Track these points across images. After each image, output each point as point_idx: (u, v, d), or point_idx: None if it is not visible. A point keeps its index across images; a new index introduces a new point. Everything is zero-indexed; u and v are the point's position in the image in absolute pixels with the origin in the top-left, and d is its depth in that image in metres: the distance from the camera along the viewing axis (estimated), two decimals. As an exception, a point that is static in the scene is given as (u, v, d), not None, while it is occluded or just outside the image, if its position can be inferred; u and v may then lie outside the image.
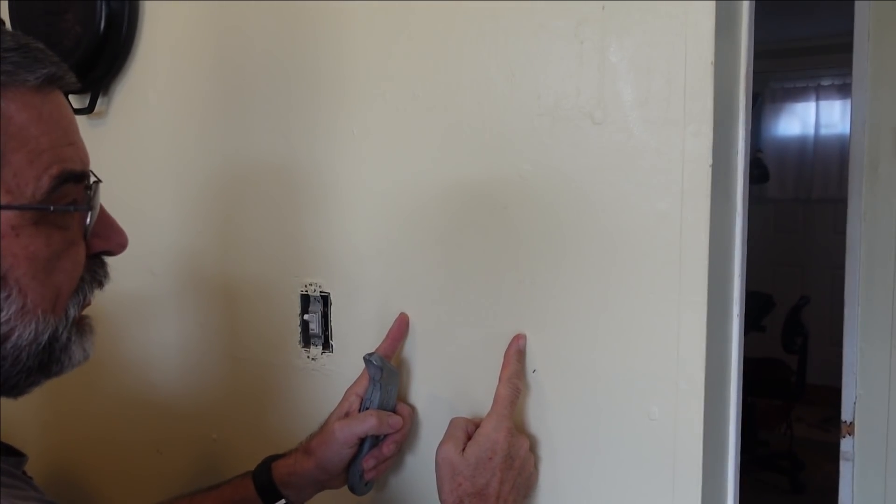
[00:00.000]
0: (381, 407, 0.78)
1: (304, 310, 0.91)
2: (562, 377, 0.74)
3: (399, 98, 0.82)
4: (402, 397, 0.84)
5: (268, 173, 0.94)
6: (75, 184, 0.53)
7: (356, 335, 0.88)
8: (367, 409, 0.78)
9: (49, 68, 0.51)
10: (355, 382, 0.81)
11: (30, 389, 0.55)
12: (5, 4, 1.08)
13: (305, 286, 0.91)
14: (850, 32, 1.35)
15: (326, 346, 0.91)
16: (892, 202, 1.32)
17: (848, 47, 1.36)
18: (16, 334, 0.50)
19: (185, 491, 0.83)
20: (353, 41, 0.85)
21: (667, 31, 0.65)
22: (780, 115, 4.51)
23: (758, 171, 3.99)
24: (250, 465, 0.83)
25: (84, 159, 0.54)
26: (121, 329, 1.11)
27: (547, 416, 0.75)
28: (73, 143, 0.53)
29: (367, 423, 0.76)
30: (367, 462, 0.78)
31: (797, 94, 4.44)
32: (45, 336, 0.51)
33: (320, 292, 0.90)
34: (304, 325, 0.92)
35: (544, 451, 0.76)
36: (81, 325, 0.56)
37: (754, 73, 0.70)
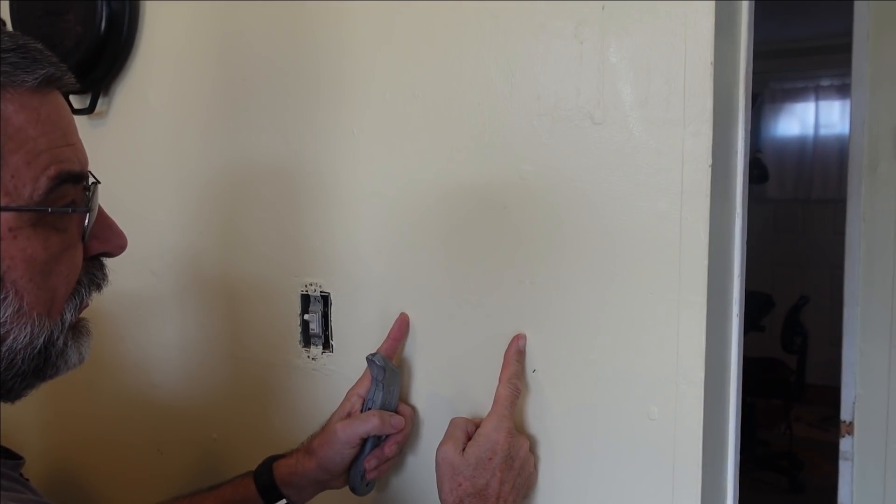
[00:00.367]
0: (384, 407, 0.79)
1: (305, 310, 0.91)
2: (562, 377, 0.74)
3: (399, 98, 0.82)
4: (403, 397, 0.84)
5: (268, 173, 0.94)
6: (74, 185, 0.52)
7: (356, 335, 0.88)
8: (370, 409, 0.78)
9: (47, 69, 0.51)
10: (357, 383, 0.81)
11: (25, 393, 0.54)
12: (6, 4, 1.08)
13: (306, 286, 0.91)
14: (849, 32, 1.35)
15: (327, 346, 0.91)
16: (891, 202, 1.32)
17: (847, 47, 1.36)
18: (11, 337, 0.49)
19: (185, 491, 0.83)
20: (354, 41, 0.85)
21: (666, 31, 0.65)
22: (779, 115, 4.51)
23: (757, 172, 3.99)
24: (251, 465, 0.83)
25: (83, 160, 0.54)
26: (121, 329, 1.11)
27: (547, 416, 0.75)
28: (72, 143, 0.53)
29: (370, 424, 0.76)
30: (369, 462, 0.78)
31: (796, 95, 4.44)
32: (41, 340, 0.51)
33: (320, 292, 0.90)
34: (305, 325, 0.92)
35: (544, 451, 0.76)
36: (78, 329, 0.56)
37: (754, 73, 0.71)
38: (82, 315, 0.57)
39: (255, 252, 0.96)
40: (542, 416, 0.75)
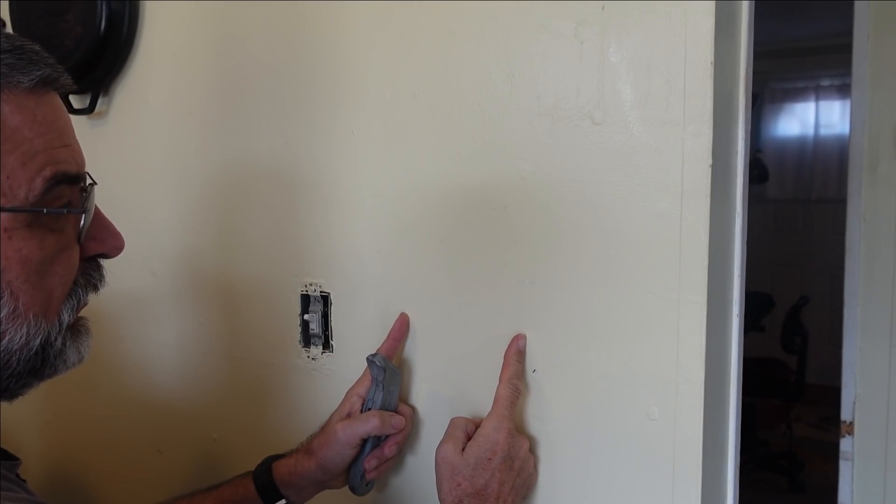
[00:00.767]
0: (384, 408, 0.78)
1: (305, 310, 0.91)
2: (562, 377, 0.74)
3: (399, 98, 0.82)
4: (403, 397, 0.84)
5: (268, 173, 0.94)
6: (70, 186, 0.52)
7: (356, 335, 0.88)
8: (370, 409, 0.78)
9: (43, 70, 0.50)
10: (357, 383, 0.81)
11: (22, 393, 0.54)
12: (5, 4, 1.08)
13: (305, 286, 0.91)
14: (849, 33, 1.35)
15: (326, 346, 0.91)
16: (891, 202, 1.32)
17: (847, 48, 1.36)
18: (6, 338, 0.49)
19: (185, 491, 0.83)
20: (353, 41, 0.85)
21: (666, 32, 0.65)
22: (779, 115, 4.51)
23: (757, 172, 3.99)
24: (251, 466, 0.83)
25: (79, 161, 0.54)
26: (121, 329, 1.11)
27: (547, 416, 0.75)
28: (68, 144, 0.52)
29: (370, 424, 0.76)
30: (369, 462, 0.78)
31: (797, 95, 4.44)
32: (37, 341, 0.51)
33: (320, 292, 0.90)
34: (305, 325, 0.92)
35: (544, 451, 0.76)
36: (77, 328, 0.56)
37: (754, 73, 0.70)
38: (81, 314, 0.56)
39: (255, 252, 0.96)
40: (542, 416, 0.75)
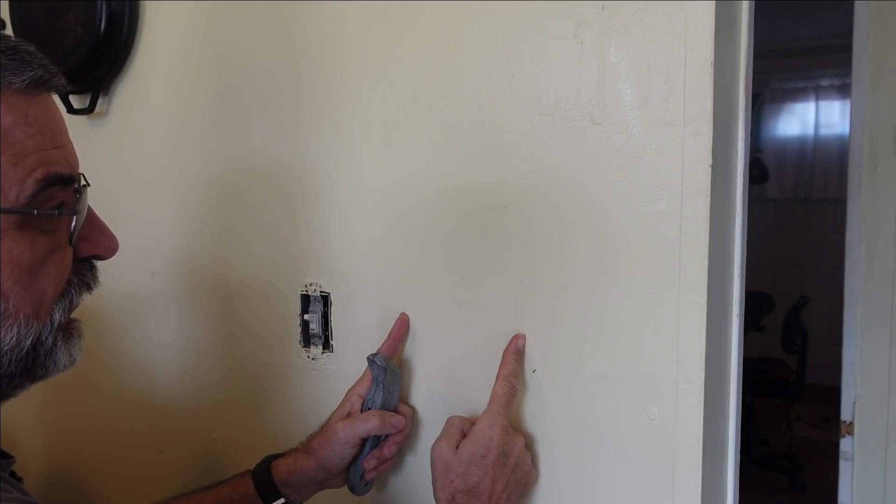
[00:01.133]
0: (384, 407, 0.78)
1: (305, 310, 0.91)
2: (561, 377, 0.74)
3: (399, 98, 0.82)
4: (403, 397, 0.84)
5: (269, 173, 0.94)
6: (63, 187, 0.52)
7: (356, 335, 0.88)
8: (370, 409, 0.78)
9: (36, 71, 0.50)
10: (357, 383, 0.81)
11: (14, 394, 0.54)
12: (5, 4, 1.08)
13: (305, 286, 0.91)
14: (849, 33, 1.35)
15: (327, 346, 0.91)
16: (891, 202, 1.32)
17: (847, 47, 1.36)
18: None
19: (184, 491, 0.83)
20: (353, 41, 0.85)
21: (666, 32, 0.65)
22: (779, 115, 4.51)
23: (757, 172, 3.99)
24: (251, 465, 0.83)
25: (72, 162, 0.54)
26: (121, 329, 1.11)
27: (546, 415, 0.75)
28: (61, 146, 0.52)
29: (370, 424, 0.76)
30: (369, 462, 0.78)
31: (797, 95, 4.44)
32: (28, 341, 0.51)
33: (320, 292, 0.90)
34: (305, 325, 0.92)
35: (543, 451, 0.76)
36: (69, 330, 0.56)
37: (754, 73, 0.70)
38: (74, 316, 0.56)
39: (255, 252, 0.96)
40: (541, 416, 0.75)
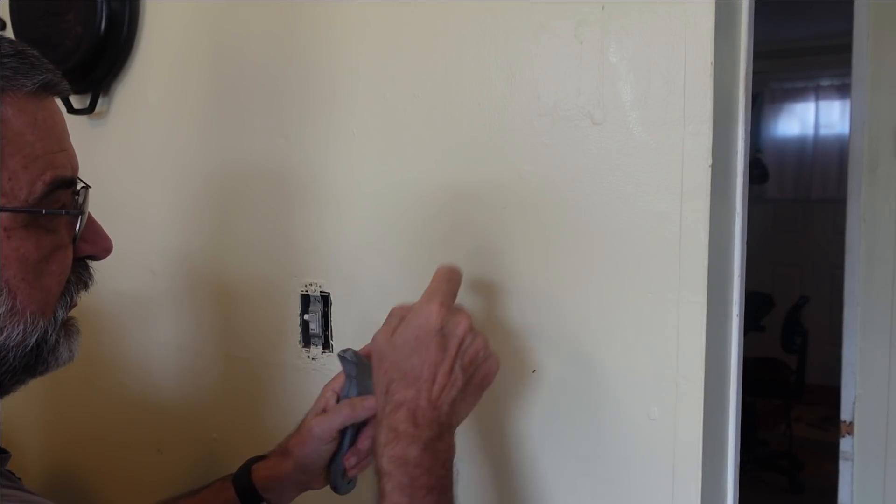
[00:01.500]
0: None
1: (305, 310, 0.91)
2: (561, 377, 0.74)
3: (399, 98, 0.82)
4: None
5: (269, 173, 0.94)
6: (65, 189, 0.54)
7: (356, 335, 0.88)
8: None
9: (45, 75, 0.52)
10: (332, 379, 0.78)
11: (15, 389, 0.55)
12: (6, 4, 1.08)
13: (305, 286, 0.91)
14: (849, 33, 1.35)
15: (326, 346, 0.91)
16: (891, 202, 1.32)
17: (847, 47, 1.36)
18: (3, 335, 0.51)
19: (184, 490, 0.83)
20: (353, 42, 0.85)
21: (666, 32, 0.65)
22: (779, 115, 4.51)
23: (757, 172, 3.99)
24: (250, 465, 0.82)
25: (74, 165, 0.56)
26: (122, 329, 1.11)
27: (546, 415, 0.75)
28: (65, 149, 0.54)
29: (342, 414, 0.73)
30: (349, 460, 0.76)
31: (796, 95, 4.44)
32: (34, 338, 0.52)
33: (320, 292, 0.90)
34: (305, 325, 0.92)
35: (544, 451, 0.76)
36: (68, 327, 0.57)
37: (754, 73, 0.70)
38: (71, 314, 0.58)
39: (255, 252, 0.96)
40: (541, 416, 0.75)
